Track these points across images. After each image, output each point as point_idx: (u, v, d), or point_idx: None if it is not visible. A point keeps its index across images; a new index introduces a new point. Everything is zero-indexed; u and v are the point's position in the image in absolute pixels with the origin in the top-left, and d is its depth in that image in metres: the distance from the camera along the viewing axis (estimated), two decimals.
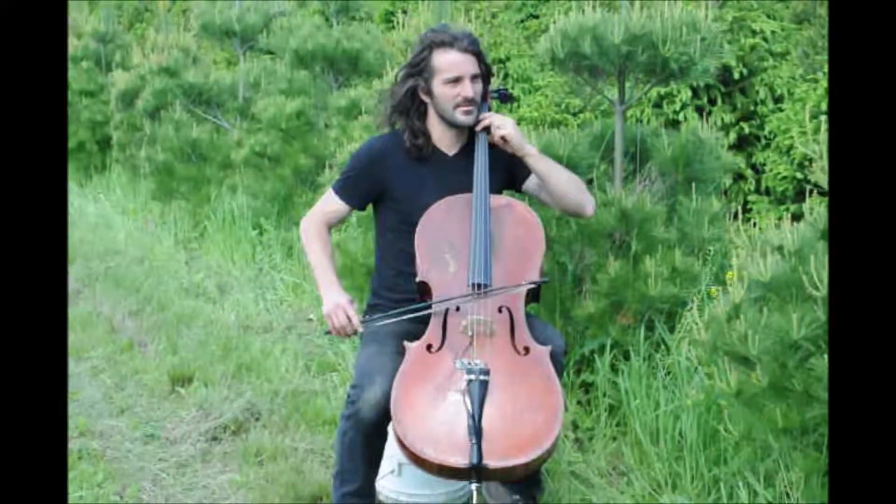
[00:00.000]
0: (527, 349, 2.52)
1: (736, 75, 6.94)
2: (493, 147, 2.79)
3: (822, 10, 7.48)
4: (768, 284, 2.48)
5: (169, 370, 4.22)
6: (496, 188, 2.81)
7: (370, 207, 2.95)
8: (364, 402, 2.53)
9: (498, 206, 2.74)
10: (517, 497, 2.84)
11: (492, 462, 2.25)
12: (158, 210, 7.87)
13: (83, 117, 10.03)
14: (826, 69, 6.52)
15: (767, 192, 6.69)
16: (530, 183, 2.89)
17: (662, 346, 3.49)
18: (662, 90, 6.80)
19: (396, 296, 2.79)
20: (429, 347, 2.52)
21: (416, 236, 2.70)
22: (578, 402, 3.53)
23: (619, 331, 3.49)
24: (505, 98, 3.02)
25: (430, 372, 2.45)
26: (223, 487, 3.22)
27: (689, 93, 6.89)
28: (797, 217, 2.65)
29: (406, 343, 2.54)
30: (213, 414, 3.77)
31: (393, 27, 6.08)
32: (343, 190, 2.87)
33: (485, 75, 2.82)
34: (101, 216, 8.20)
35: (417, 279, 2.66)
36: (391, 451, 2.73)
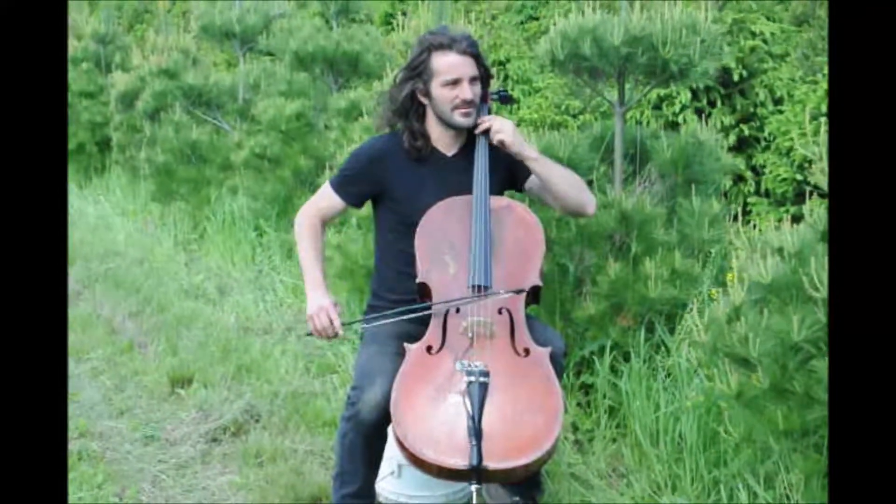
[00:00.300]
0: (527, 351, 2.52)
1: (736, 77, 6.94)
2: (493, 148, 2.79)
3: (822, 12, 7.48)
4: (768, 286, 2.48)
5: (169, 371, 4.22)
6: (496, 189, 2.81)
7: (370, 208, 2.95)
8: (364, 404, 2.53)
9: (498, 207, 2.74)
10: (517, 499, 2.84)
11: (492, 463, 2.25)
12: (158, 211, 7.87)
13: (83, 119, 10.04)
14: (826, 71, 6.53)
15: (767, 193, 6.69)
16: (532, 182, 2.89)
17: (662, 348, 3.49)
18: (662, 92, 6.81)
19: (396, 297, 2.78)
20: (429, 349, 2.52)
21: (415, 237, 2.70)
22: (578, 404, 3.53)
23: (619, 332, 3.49)
24: (505, 100, 3.02)
25: (430, 373, 2.45)
26: (223, 489, 3.22)
27: (689, 95, 6.89)
28: (797, 219, 2.65)
29: (406, 344, 2.54)
30: (212, 415, 3.77)
31: (393, 29, 6.09)
32: (340, 187, 2.87)
33: (483, 77, 2.81)
34: (101, 217, 8.21)
35: (417, 280, 2.66)
36: (391, 452, 2.73)
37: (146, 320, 5.16)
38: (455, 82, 2.73)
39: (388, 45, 6.38)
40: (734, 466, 2.89)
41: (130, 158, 8.72)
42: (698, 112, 6.85)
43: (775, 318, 2.43)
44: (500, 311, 2.57)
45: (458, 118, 2.76)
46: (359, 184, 2.86)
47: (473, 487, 2.28)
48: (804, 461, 2.52)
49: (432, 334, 2.55)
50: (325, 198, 2.89)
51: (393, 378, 2.45)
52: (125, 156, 8.90)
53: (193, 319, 5.05)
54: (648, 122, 6.87)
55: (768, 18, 7.52)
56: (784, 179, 6.44)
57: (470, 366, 2.40)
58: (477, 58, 2.77)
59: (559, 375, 2.54)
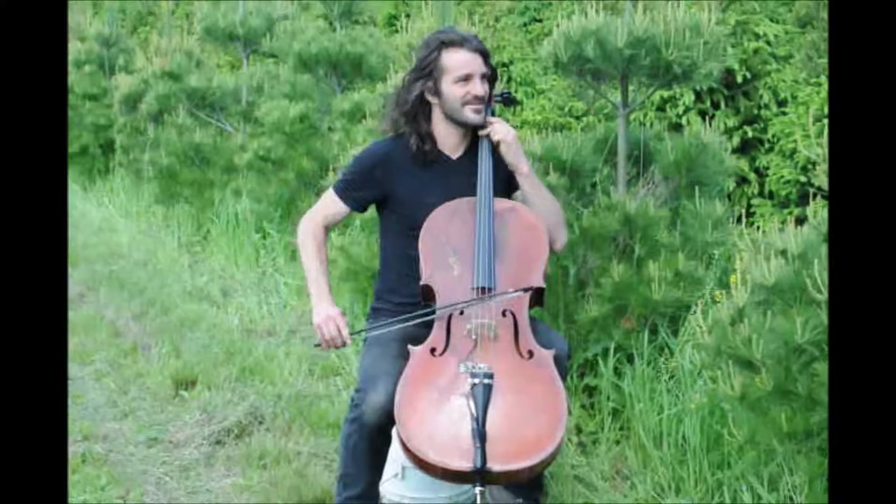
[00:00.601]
0: (531, 353, 2.52)
1: (739, 79, 6.93)
2: (497, 151, 2.79)
3: (825, 14, 7.48)
4: (772, 288, 2.48)
5: (172, 374, 4.22)
6: (500, 192, 2.81)
7: (373, 210, 2.96)
8: (368, 406, 2.53)
9: (502, 209, 2.74)
10: (520, 500, 2.83)
11: (495, 466, 2.25)
12: (162, 214, 7.88)
13: (86, 121, 10.04)
14: None
15: (771, 195, 6.69)
16: (516, 197, 2.90)
17: (666, 350, 3.49)
18: (665, 94, 6.81)
19: (400, 300, 2.79)
20: (433, 351, 2.52)
21: (419, 240, 2.70)
22: (582, 406, 3.53)
23: (622, 335, 3.49)
24: (508, 102, 3.02)
25: (434, 375, 2.45)
26: (226, 491, 3.22)
27: (693, 96, 6.90)
28: (801, 220, 2.65)
29: (410, 347, 2.54)
30: (216, 417, 3.77)
31: (396, 31, 6.11)
32: (344, 192, 2.87)
33: (491, 77, 2.82)
34: (105, 220, 8.22)
35: (421, 283, 2.66)
36: (395, 454, 2.72)
37: (150, 322, 5.17)
38: (467, 78, 2.73)
39: (392, 47, 6.39)
40: (738, 468, 2.89)
41: (134, 161, 8.73)
42: (702, 114, 6.85)
43: (779, 320, 2.43)
44: (503, 314, 2.57)
45: (469, 114, 2.76)
46: (362, 188, 2.86)
47: (477, 489, 2.27)
48: (808, 463, 2.52)
49: (436, 336, 2.55)
50: (330, 205, 2.89)
51: (397, 380, 2.45)
52: (129, 158, 8.91)
53: (197, 321, 5.05)
54: (652, 124, 6.85)
55: (772, 20, 7.52)
56: (787, 181, 6.43)
57: (474, 368, 2.40)
58: (486, 56, 2.78)
59: (563, 377, 2.54)
